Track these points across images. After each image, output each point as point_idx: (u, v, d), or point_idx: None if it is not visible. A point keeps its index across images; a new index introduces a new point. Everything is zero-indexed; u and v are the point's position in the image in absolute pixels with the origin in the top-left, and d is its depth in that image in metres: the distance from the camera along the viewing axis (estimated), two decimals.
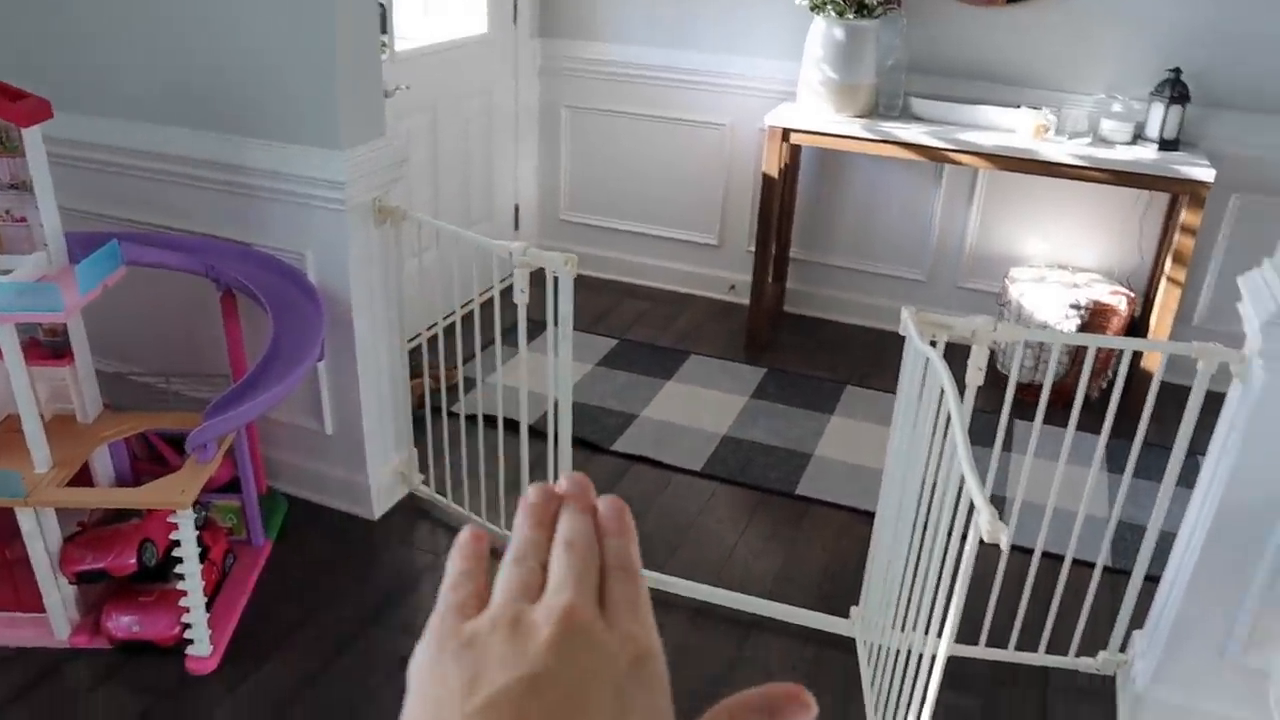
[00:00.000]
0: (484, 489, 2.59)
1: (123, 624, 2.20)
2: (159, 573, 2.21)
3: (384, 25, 3.04)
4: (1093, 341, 2.06)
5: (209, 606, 2.19)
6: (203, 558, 2.16)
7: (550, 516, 0.44)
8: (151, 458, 2.46)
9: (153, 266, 2.37)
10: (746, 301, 3.77)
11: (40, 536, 2.12)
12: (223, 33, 2.34)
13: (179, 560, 2.09)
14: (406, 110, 3.32)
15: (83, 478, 2.20)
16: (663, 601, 2.44)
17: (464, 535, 0.44)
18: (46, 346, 2.23)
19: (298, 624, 2.34)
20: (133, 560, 2.16)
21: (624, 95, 4.00)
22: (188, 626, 2.16)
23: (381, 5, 2.85)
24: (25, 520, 2.08)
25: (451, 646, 0.38)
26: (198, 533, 2.11)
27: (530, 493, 0.46)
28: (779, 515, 2.82)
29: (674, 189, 4.07)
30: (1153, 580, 2.17)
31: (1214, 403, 1.96)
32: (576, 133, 4.16)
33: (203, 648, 2.18)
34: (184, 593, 2.12)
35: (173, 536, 2.07)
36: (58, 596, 2.20)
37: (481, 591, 0.41)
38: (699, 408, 3.32)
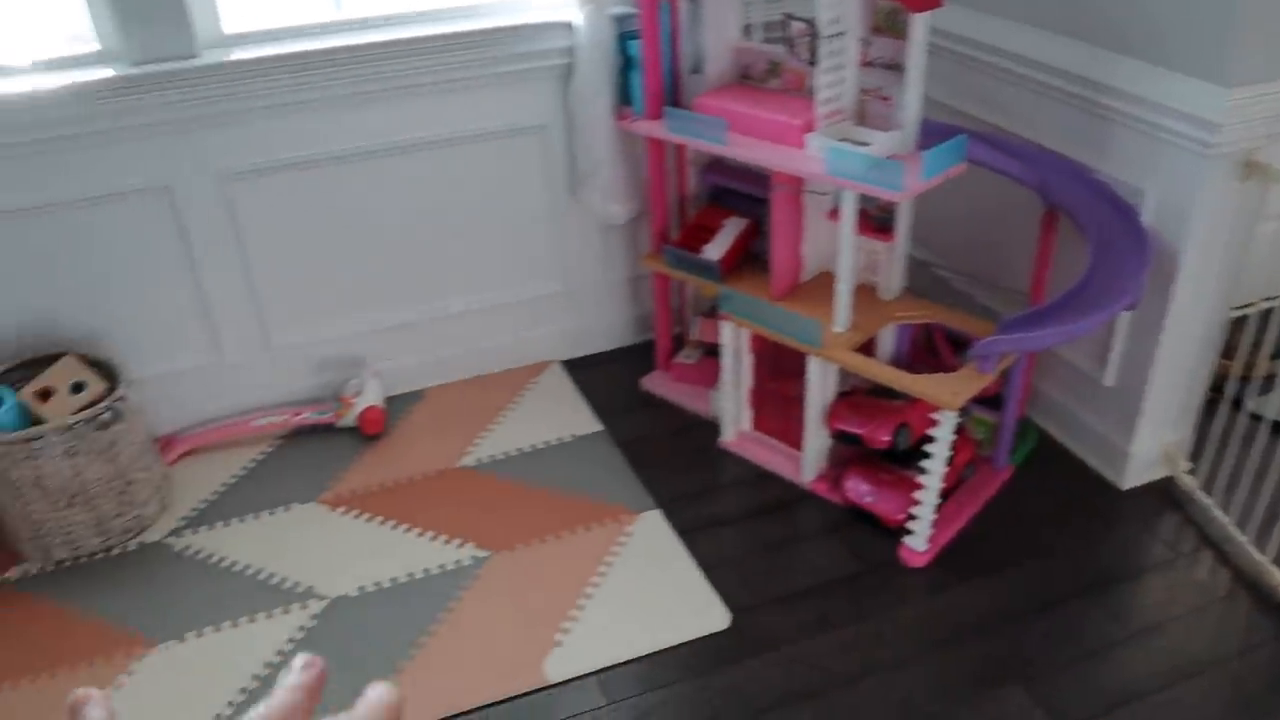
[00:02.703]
0: (1260, 507, 2.21)
1: (860, 491, 2.34)
2: (905, 457, 2.30)
3: None
4: None
5: (937, 508, 2.22)
6: (948, 460, 2.18)
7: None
8: (927, 348, 2.54)
9: (991, 169, 2.36)
10: None
11: (820, 386, 2.32)
12: None
13: (926, 455, 2.14)
14: None
15: (866, 348, 2.34)
16: None
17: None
18: (874, 220, 2.37)
19: (1009, 560, 2.27)
20: (888, 438, 2.26)
21: None
22: (913, 517, 2.22)
23: None
24: (813, 368, 2.30)
25: None
26: (952, 436, 2.13)
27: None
28: None
29: None
30: None
31: None
32: None
33: (920, 542, 2.24)
34: (921, 485, 2.17)
35: (929, 431, 2.12)
36: (815, 444, 2.42)
37: None
38: None
